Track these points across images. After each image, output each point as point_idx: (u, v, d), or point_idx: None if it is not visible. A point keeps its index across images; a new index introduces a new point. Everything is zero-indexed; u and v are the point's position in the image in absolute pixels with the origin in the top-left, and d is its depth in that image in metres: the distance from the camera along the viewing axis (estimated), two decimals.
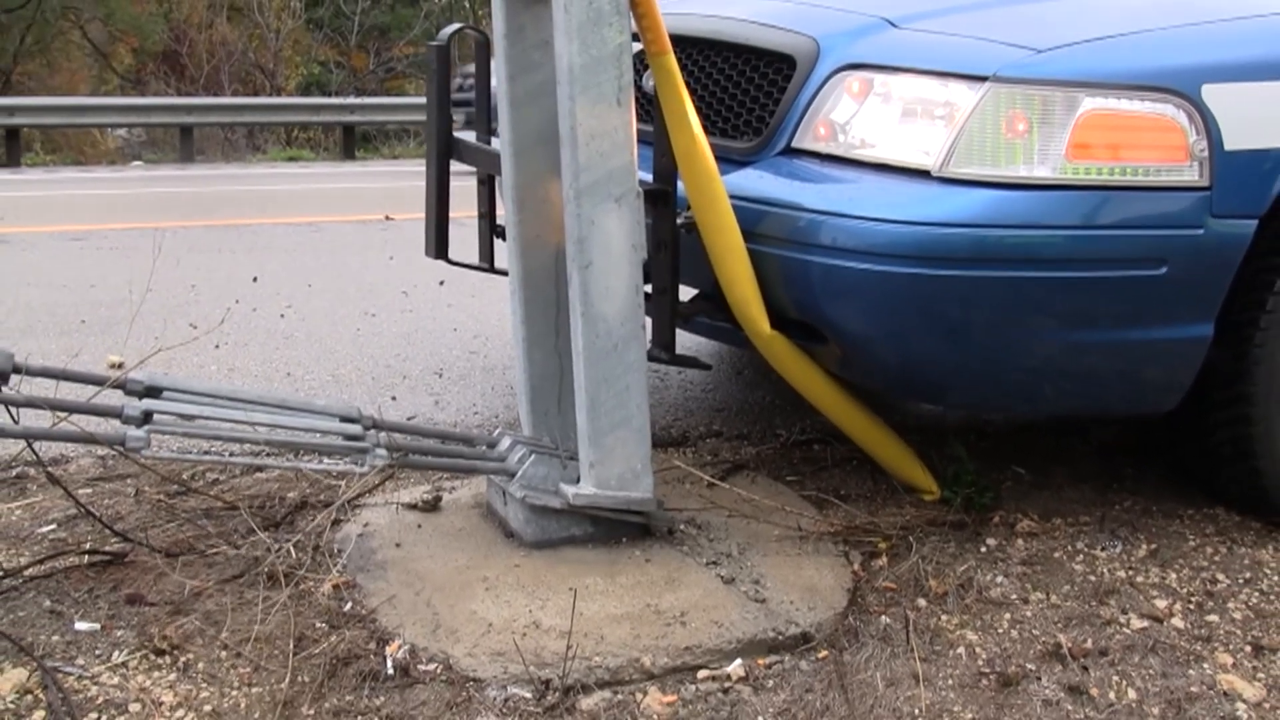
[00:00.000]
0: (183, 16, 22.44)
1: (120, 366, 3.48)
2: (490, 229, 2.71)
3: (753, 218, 2.19)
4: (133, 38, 23.26)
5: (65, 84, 22.26)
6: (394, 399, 3.28)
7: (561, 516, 2.14)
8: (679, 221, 2.19)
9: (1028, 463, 2.74)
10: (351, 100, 15.32)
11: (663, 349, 2.27)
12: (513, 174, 2.25)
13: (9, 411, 1.93)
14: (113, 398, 1.92)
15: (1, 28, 21.99)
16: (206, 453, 2.65)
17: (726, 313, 2.27)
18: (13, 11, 21.61)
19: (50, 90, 20.52)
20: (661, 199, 2.17)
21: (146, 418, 1.88)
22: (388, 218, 7.24)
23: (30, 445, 2.29)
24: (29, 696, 1.70)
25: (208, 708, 1.69)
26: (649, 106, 2.17)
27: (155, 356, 2.95)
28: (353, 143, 14.62)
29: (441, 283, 4.87)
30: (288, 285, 4.96)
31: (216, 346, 3.78)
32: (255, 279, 5.05)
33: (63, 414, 1.96)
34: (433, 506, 2.33)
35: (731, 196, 2.17)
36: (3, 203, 6.97)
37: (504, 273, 2.49)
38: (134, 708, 1.68)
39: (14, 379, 1.84)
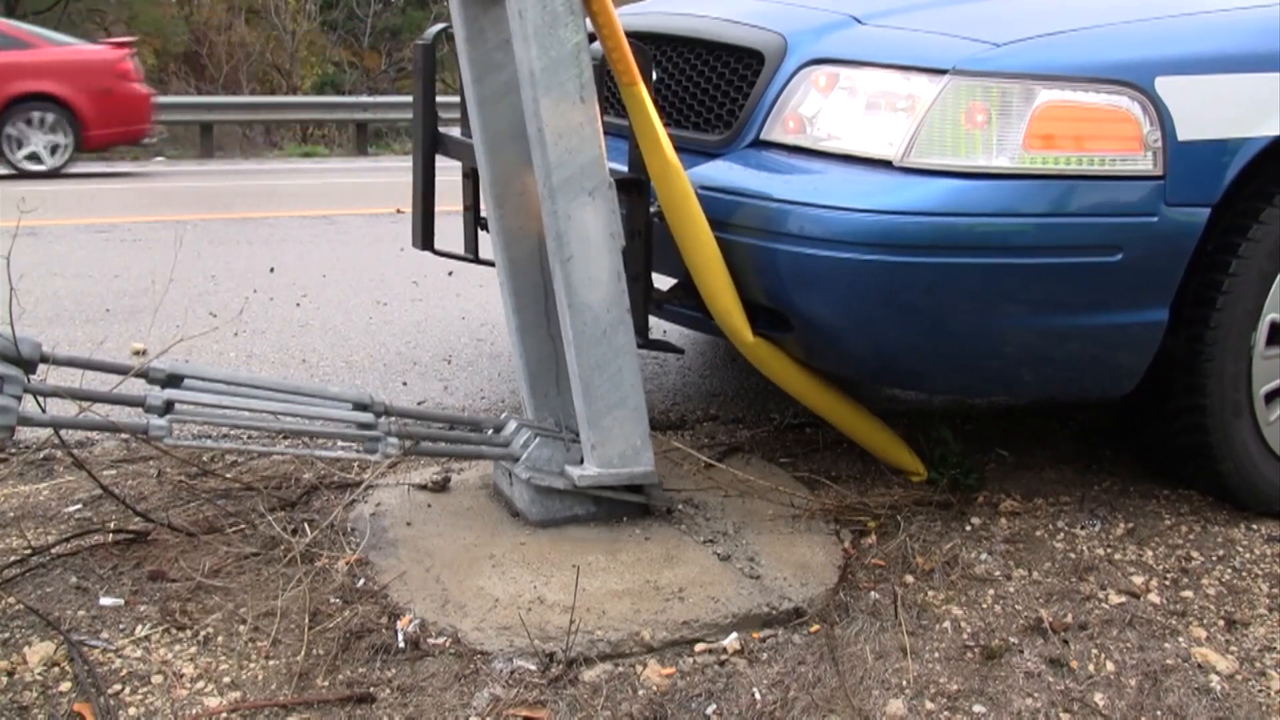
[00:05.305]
0: (203, 19, 22.38)
1: (143, 353, 3.47)
2: (474, 221, 2.68)
3: (723, 208, 2.16)
4: (155, 39, 23.19)
5: None
6: (405, 384, 3.28)
7: (565, 496, 2.13)
8: (651, 210, 2.16)
9: (1011, 445, 2.74)
10: (364, 99, 15.27)
11: (637, 334, 2.25)
12: (489, 170, 2.22)
13: (36, 399, 1.92)
14: (136, 385, 1.91)
15: None
16: (225, 437, 2.65)
17: (699, 301, 2.25)
18: (41, 14, 21.54)
19: None
20: (635, 188, 2.15)
21: (168, 406, 1.87)
22: (398, 210, 7.21)
23: (56, 432, 2.28)
24: (56, 669, 1.70)
25: (227, 679, 1.69)
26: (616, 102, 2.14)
27: (177, 345, 2.93)
28: (365, 139, 14.59)
29: (450, 273, 4.86)
30: (303, 276, 4.95)
31: (235, 334, 3.77)
32: (272, 270, 5.03)
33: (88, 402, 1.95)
34: (442, 487, 2.32)
35: (702, 187, 2.15)
36: (32, 197, 6.95)
37: (489, 263, 2.46)
38: (156, 679, 1.68)
39: (41, 367, 1.84)
